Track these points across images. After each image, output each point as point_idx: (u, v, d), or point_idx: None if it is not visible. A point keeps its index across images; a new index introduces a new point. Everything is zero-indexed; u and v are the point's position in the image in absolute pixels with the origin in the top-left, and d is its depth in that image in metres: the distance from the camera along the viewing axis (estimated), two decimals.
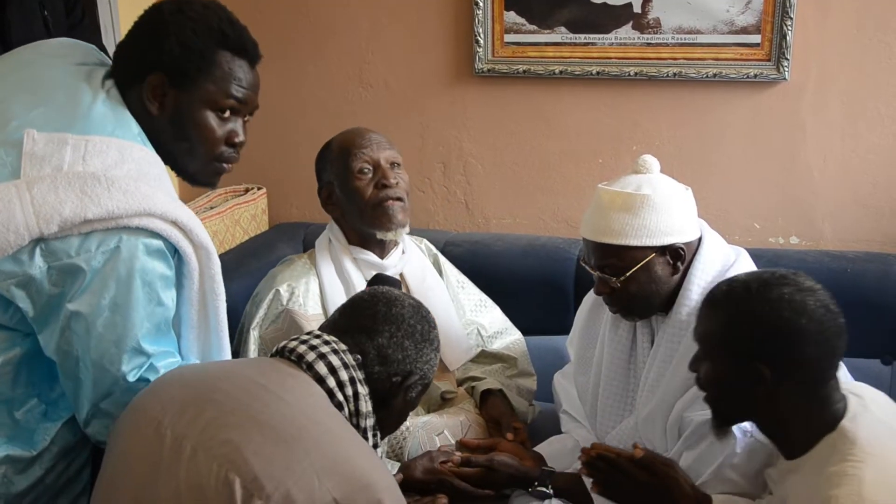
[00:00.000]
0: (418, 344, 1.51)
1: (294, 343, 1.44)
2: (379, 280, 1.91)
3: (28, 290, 1.38)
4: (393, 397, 1.49)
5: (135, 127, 1.48)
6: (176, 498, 1.22)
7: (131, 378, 1.45)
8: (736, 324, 1.49)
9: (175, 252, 1.48)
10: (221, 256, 2.74)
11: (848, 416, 1.47)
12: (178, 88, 1.49)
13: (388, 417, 1.52)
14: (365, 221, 2.04)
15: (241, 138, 1.58)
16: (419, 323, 1.52)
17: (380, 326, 1.48)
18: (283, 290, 2.02)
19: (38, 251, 1.36)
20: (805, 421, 1.49)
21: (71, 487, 1.58)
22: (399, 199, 2.03)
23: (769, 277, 1.50)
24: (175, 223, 1.45)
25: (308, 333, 1.47)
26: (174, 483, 1.23)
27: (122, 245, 1.39)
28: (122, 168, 1.41)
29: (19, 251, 1.35)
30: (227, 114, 1.54)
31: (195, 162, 1.56)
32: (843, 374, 1.82)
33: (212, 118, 1.53)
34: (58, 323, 1.40)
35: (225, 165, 1.59)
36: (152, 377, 1.47)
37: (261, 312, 2.02)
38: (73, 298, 1.38)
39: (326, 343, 1.43)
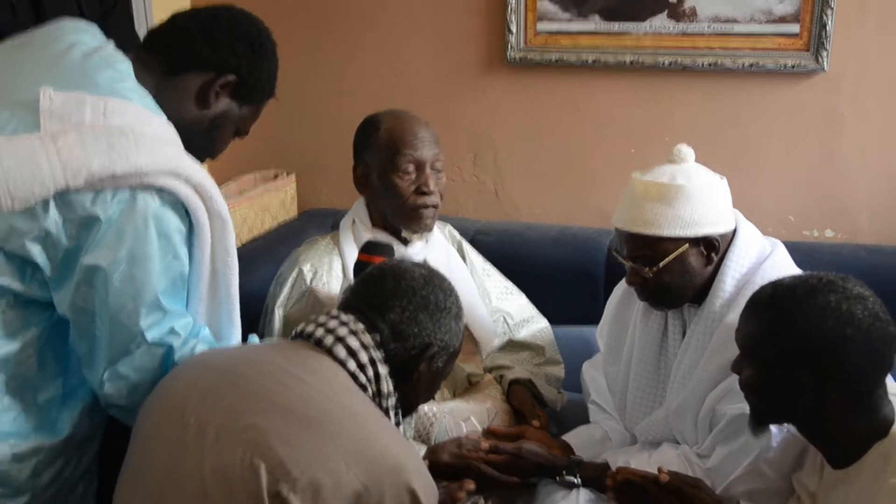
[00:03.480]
0: (433, 315, 1.46)
1: (311, 327, 1.43)
2: (370, 247, 1.88)
3: (44, 244, 1.36)
4: (413, 370, 1.46)
5: (152, 102, 1.47)
6: (201, 484, 1.22)
7: (149, 336, 1.43)
8: (778, 331, 1.45)
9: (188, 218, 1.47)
10: (250, 243, 2.82)
11: None
12: (237, 100, 1.59)
13: (414, 392, 1.49)
14: (396, 217, 2.04)
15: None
16: (431, 293, 1.47)
17: (390, 302, 1.44)
18: (307, 269, 2.03)
19: (52, 204, 1.34)
20: (852, 429, 1.44)
21: (83, 481, 1.57)
22: (435, 206, 2.04)
23: (816, 283, 1.45)
24: (198, 187, 1.44)
25: (326, 314, 1.45)
26: (199, 469, 1.23)
27: (137, 196, 1.37)
28: (145, 128, 1.40)
29: (33, 205, 1.33)
30: None
31: (203, 154, 1.61)
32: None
33: (231, 134, 1.66)
34: (73, 278, 1.38)
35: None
36: (170, 341, 1.45)
37: (285, 292, 2.02)
38: (88, 251, 1.36)
39: (344, 324, 1.41)
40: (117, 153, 1.34)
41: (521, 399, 2.10)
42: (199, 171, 1.45)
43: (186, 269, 1.48)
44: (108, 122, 1.37)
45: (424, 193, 2.00)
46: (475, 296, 2.18)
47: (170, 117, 1.48)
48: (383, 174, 2.01)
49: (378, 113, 2.10)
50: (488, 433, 1.95)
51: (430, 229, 2.07)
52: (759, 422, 1.55)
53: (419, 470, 1.29)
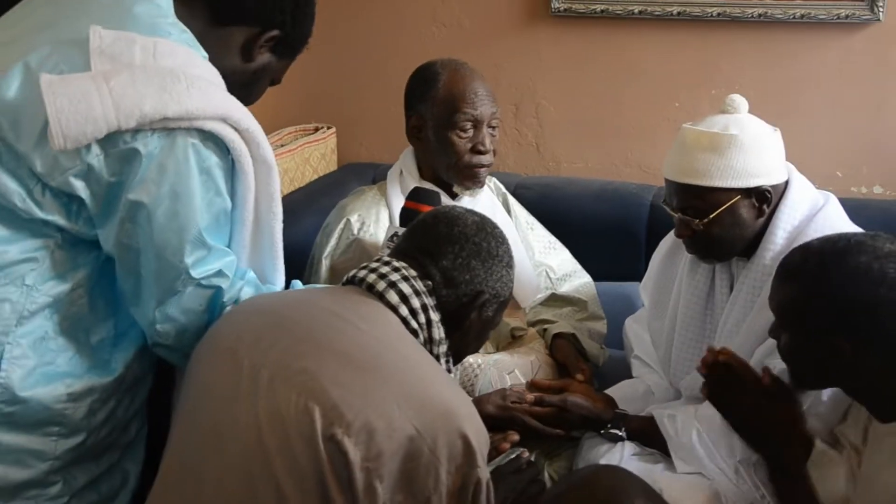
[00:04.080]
0: (485, 262, 1.44)
1: (363, 272, 1.41)
2: (417, 194, 1.87)
3: (87, 180, 1.35)
4: (464, 318, 1.45)
5: (192, 39, 1.45)
6: (256, 425, 1.22)
7: (195, 273, 1.42)
8: (810, 297, 1.43)
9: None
10: (291, 195, 2.81)
11: None
12: (277, 54, 1.58)
13: (463, 340, 1.48)
14: (450, 174, 2.03)
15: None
16: (484, 240, 1.45)
17: (443, 248, 1.42)
18: (354, 220, 2.03)
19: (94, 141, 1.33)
20: (891, 384, 1.42)
21: (135, 422, 1.58)
22: (489, 164, 2.03)
23: (845, 245, 1.43)
24: (245, 132, 1.43)
25: (377, 260, 1.44)
26: (253, 411, 1.23)
27: (178, 132, 1.36)
28: (195, 70, 1.39)
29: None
30: None
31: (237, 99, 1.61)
32: None
33: (267, 84, 1.66)
34: (117, 214, 1.37)
35: None
36: (218, 282, 1.45)
37: (332, 242, 2.02)
38: (132, 188, 1.35)
39: (396, 270, 1.39)
40: (170, 95, 1.33)
41: (565, 353, 2.10)
42: (247, 116, 1.45)
43: (229, 205, 1.47)
44: (159, 63, 1.35)
45: (480, 152, 1.99)
46: (520, 250, 2.16)
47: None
48: (439, 129, 1.98)
49: (434, 63, 2.06)
50: (532, 386, 1.95)
51: (482, 186, 2.07)
52: (800, 387, 1.54)
53: (472, 416, 1.28)
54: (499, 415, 1.82)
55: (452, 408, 1.25)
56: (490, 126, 2.00)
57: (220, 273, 1.46)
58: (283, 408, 1.21)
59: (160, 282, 1.42)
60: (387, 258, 1.44)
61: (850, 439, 1.56)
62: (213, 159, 1.41)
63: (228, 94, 1.44)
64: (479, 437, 1.27)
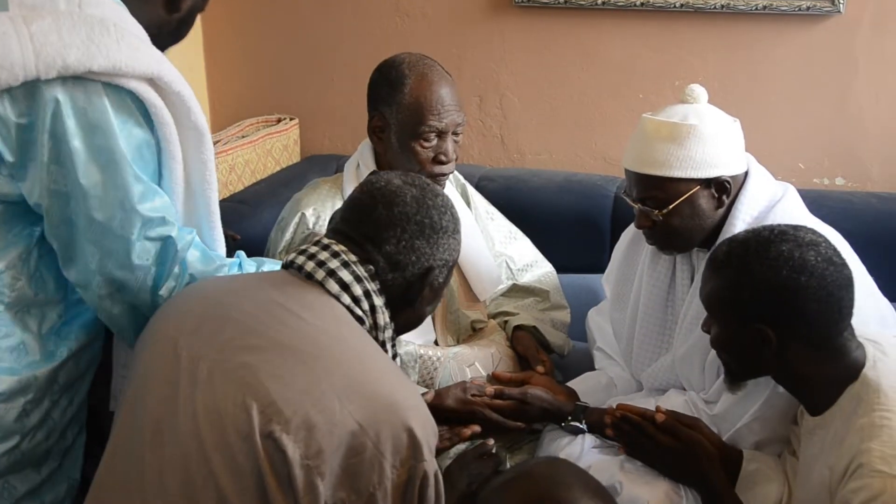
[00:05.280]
0: (430, 238, 1.38)
1: (302, 258, 1.36)
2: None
3: None
4: (416, 296, 1.41)
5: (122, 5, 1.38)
6: (194, 421, 1.20)
7: (141, 208, 1.34)
8: (736, 287, 1.45)
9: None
10: (253, 187, 2.78)
11: (868, 365, 1.43)
12: None
13: (417, 312, 1.45)
14: None
15: None
16: (426, 216, 1.38)
17: (384, 233, 1.36)
18: (309, 213, 1.99)
19: None
20: (823, 375, 1.45)
21: (72, 429, 1.52)
22: (451, 172, 1.99)
23: (769, 235, 1.46)
24: (177, 96, 1.35)
25: (316, 243, 1.38)
26: (192, 406, 1.21)
27: (96, 83, 1.28)
28: (124, 24, 1.31)
29: None
30: None
31: (166, 45, 1.51)
32: (892, 316, 1.77)
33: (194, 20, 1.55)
34: (38, 159, 1.29)
35: None
36: (167, 232, 1.38)
37: (287, 236, 1.98)
38: (45, 127, 1.27)
39: (336, 255, 1.34)
40: (97, 47, 1.25)
41: (526, 345, 2.09)
42: (179, 79, 1.37)
43: (151, 138, 1.37)
44: (85, 12, 1.27)
45: (442, 162, 1.94)
46: (480, 244, 2.15)
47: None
48: (402, 137, 1.93)
49: (401, 62, 1.96)
50: (493, 378, 1.94)
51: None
52: (734, 379, 1.55)
53: (417, 408, 1.25)
54: (459, 408, 1.80)
55: (397, 400, 1.22)
56: (454, 133, 1.96)
57: (164, 221, 1.38)
58: (221, 404, 1.19)
59: (96, 229, 1.33)
60: (326, 241, 1.38)
61: (799, 437, 1.57)
62: (125, 105, 1.32)
63: (160, 54, 1.36)
64: (426, 429, 1.25)
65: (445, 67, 2.00)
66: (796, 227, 1.48)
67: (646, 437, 1.66)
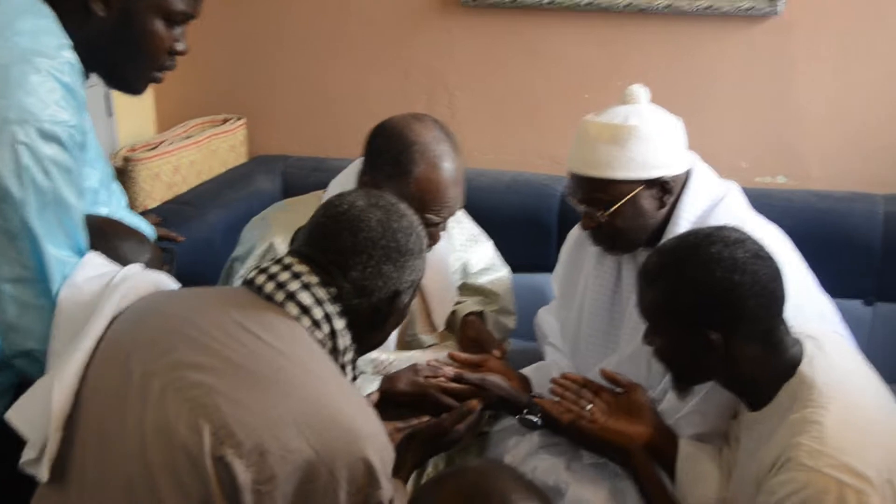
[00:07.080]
0: (397, 262, 1.35)
1: (262, 278, 1.31)
2: None
3: None
4: (384, 319, 1.39)
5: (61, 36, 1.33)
6: (140, 437, 1.17)
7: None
8: (674, 294, 1.46)
9: None
10: (198, 188, 2.74)
11: (805, 361, 1.46)
12: None
13: (382, 331, 1.43)
14: None
15: (182, 47, 1.48)
16: (392, 240, 1.35)
17: (350, 260, 1.32)
18: (278, 242, 1.85)
19: None
20: (763, 371, 1.47)
21: None
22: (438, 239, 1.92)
23: (695, 239, 1.48)
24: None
25: (277, 262, 1.34)
26: (139, 423, 1.18)
27: None
28: None
29: None
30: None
31: (135, 69, 1.46)
32: (831, 313, 1.81)
33: (160, 26, 1.43)
34: None
35: (160, 75, 1.49)
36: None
37: (250, 262, 1.87)
38: None
39: (296, 276, 1.30)
40: None
41: (478, 328, 2.06)
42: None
43: None
44: None
45: (434, 239, 1.86)
46: (444, 270, 2.09)
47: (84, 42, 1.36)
48: None
49: (412, 140, 1.83)
50: (451, 359, 1.88)
51: None
52: (682, 386, 1.57)
53: (375, 435, 1.23)
54: (411, 391, 1.76)
55: (354, 427, 1.20)
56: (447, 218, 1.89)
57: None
58: (172, 423, 1.16)
59: None
60: (288, 259, 1.34)
61: (737, 433, 1.60)
62: None
63: None
64: (383, 456, 1.22)
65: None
66: (720, 228, 1.49)
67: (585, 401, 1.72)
